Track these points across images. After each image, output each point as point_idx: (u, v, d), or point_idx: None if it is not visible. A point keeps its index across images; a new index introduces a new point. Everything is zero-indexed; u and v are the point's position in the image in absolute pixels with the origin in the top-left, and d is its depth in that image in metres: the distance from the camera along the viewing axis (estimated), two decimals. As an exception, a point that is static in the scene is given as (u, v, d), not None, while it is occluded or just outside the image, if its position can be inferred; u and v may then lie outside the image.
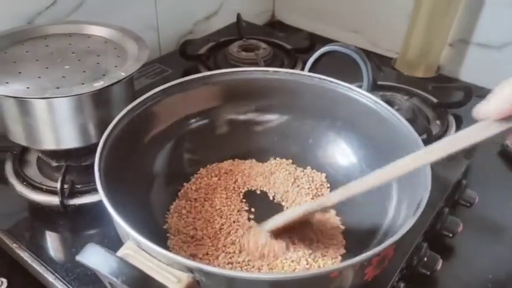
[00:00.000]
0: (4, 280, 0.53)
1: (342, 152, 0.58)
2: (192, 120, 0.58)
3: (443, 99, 0.79)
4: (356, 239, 0.49)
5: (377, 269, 0.38)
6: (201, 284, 0.35)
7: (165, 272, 0.35)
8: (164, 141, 0.55)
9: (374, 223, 0.49)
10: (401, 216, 0.45)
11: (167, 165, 0.54)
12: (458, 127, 0.73)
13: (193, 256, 0.47)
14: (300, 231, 0.51)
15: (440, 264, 0.55)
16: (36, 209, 0.61)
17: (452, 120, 0.75)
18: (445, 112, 0.76)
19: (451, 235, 0.57)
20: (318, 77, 0.57)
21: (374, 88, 0.65)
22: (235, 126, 0.59)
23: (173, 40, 0.93)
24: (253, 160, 0.60)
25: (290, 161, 0.60)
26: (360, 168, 0.55)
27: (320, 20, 1.06)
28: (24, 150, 0.67)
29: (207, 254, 0.47)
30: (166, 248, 0.48)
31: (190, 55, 0.86)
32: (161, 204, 0.52)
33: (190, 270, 0.35)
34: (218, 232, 0.50)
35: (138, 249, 0.36)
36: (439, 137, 0.70)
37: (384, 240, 0.42)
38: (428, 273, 0.56)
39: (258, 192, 0.57)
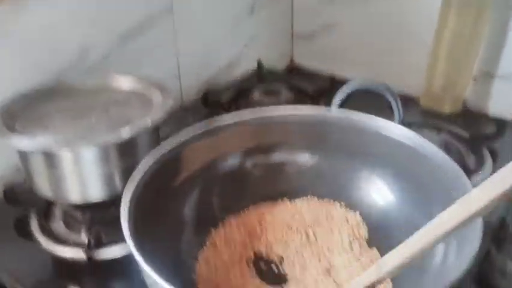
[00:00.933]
0: None
1: (376, 190, 0.55)
2: (221, 164, 0.56)
3: (475, 133, 0.76)
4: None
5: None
6: None
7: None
8: (193, 187, 0.53)
9: (422, 268, 0.45)
10: (452, 256, 0.42)
11: (196, 211, 0.52)
12: (495, 161, 0.70)
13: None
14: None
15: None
16: (63, 264, 0.59)
17: (487, 154, 0.71)
18: (479, 146, 0.73)
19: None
20: (346, 115, 0.56)
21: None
22: (265, 168, 0.58)
23: (194, 88, 0.94)
24: (285, 200, 0.58)
25: (321, 200, 0.58)
26: (398, 206, 0.52)
27: (339, 63, 1.06)
28: (50, 204, 0.66)
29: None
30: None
31: (212, 102, 0.86)
32: (191, 253, 0.50)
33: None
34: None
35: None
36: (475, 171, 0.67)
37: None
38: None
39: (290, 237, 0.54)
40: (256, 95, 0.86)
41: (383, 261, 0.38)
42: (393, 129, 0.53)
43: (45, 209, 0.65)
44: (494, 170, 0.67)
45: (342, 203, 0.57)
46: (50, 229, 0.62)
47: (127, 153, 0.56)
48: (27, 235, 0.61)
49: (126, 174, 0.55)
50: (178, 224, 0.50)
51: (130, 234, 0.39)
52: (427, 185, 0.49)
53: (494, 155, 0.72)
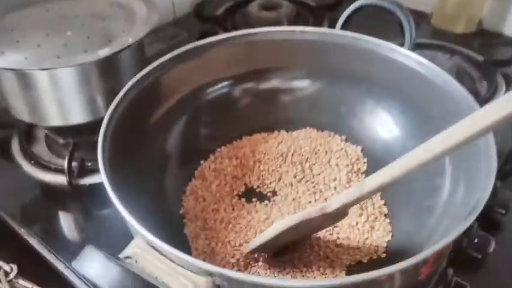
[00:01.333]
0: (14, 266, 0.49)
1: (381, 122, 0.50)
2: (209, 90, 0.51)
3: (489, 57, 0.70)
4: (403, 222, 0.43)
5: (433, 266, 0.32)
6: (223, 289, 0.30)
7: (179, 275, 0.30)
8: (178, 115, 0.48)
9: (424, 205, 0.42)
10: (459, 197, 0.38)
11: (182, 142, 0.48)
12: (508, 88, 0.65)
13: (212, 247, 0.42)
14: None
15: (493, 245, 0.49)
16: (45, 189, 0.56)
17: (501, 81, 0.67)
18: (493, 71, 0.68)
19: (503, 212, 0.50)
20: (352, 36, 0.49)
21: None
22: (257, 96, 0.52)
23: (186, 1, 0.86)
24: (281, 131, 0.54)
25: (321, 133, 0.53)
26: (403, 140, 0.48)
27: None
28: (32, 125, 0.62)
29: (228, 243, 0.42)
30: (183, 236, 0.43)
31: (206, 16, 0.79)
32: (177, 186, 0.47)
33: (210, 274, 0.29)
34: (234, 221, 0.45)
35: (148, 248, 0.31)
36: (488, 99, 0.62)
37: (439, 228, 0.36)
38: (480, 256, 0.50)
39: (285, 169, 0.50)
40: (254, 8, 0.78)
41: (366, 180, 0.36)
42: (403, 55, 0.47)
43: (27, 131, 0.62)
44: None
45: (342, 136, 0.52)
46: (32, 152, 0.59)
47: (108, 73, 0.51)
48: (7, 158, 0.59)
49: (109, 96, 0.51)
50: (163, 157, 0.46)
51: (105, 169, 0.35)
52: (437, 117, 0.44)
53: (508, 80, 0.67)
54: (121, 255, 0.31)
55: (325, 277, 0.39)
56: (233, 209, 0.45)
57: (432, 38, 0.75)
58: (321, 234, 0.43)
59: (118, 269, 0.26)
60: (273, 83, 0.53)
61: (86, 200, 0.54)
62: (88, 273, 0.26)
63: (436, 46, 0.73)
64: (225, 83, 0.51)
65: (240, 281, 0.28)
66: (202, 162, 0.50)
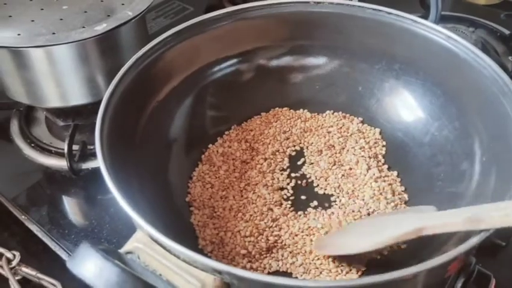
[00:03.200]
0: (17, 254, 0.47)
1: (401, 102, 0.46)
2: (216, 69, 0.47)
3: (513, 30, 0.66)
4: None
5: (461, 263, 0.29)
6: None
7: (185, 273, 0.27)
8: (183, 96, 0.45)
9: (448, 191, 0.39)
10: (491, 183, 0.35)
11: (187, 125, 0.45)
12: (535, 62, 0.61)
13: (221, 237, 0.39)
14: (350, 193, 0.43)
15: (517, 233, 0.46)
16: (46, 174, 0.54)
17: (528, 55, 0.62)
18: (520, 46, 0.64)
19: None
20: (372, 8, 0.45)
21: (436, 20, 0.53)
22: (268, 74, 0.49)
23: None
24: (294, 112, 0.50)
25: (336, 114, 0.50)
26: (425, 121, 0.44)
27: None
28: (31, 106, 0.59)
29: (238, 233, 0.39)
30: (189, 225, 0.40)
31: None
32: (183, 172, 0.43)
33: (218, 271, 0.26)
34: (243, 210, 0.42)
35: (151, 242, 0.28)
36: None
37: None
38: (504, 244, 0.46)
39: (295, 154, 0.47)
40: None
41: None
42: (428, 28, 0.43)
43: (27, 112, 0.59)
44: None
45: (359, 118, 0.49)
46: (32, 135, 0.56)
47: (108, 51, 0.47)
48: (7, 140, 0.56)
49: (110, 75, 0.47)
50: (167, 141, 0.43)
51: (103, 150, 0.32)
52: (464, 96, 0.41)
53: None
54: (122, 250, 0.29)
55: (342, 272, 0.37)
56: (243, 196, 0.42)
57: (453, 10, 0.71)
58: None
59: (116, 270, 0.23)
60: (285, 60, 0.49)
61: (88, 185, 0.51)
62: (83, 274, 0.23)
63: (458, 19, 0.68)
64: (233, 60, 0.48)
65: (251, 281, 0.26)
66: (209, 146, 0.47)
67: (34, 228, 0.48)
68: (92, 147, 0.52)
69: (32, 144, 0.55)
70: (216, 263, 0.26)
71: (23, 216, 0.49)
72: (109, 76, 0.48)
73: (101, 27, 0.44)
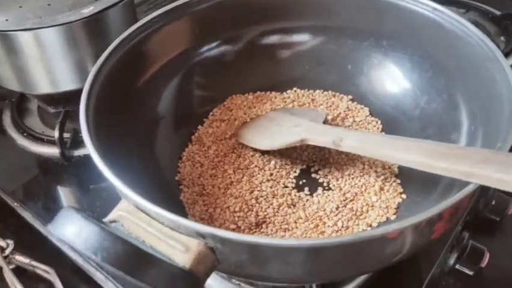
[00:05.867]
0: (10, 242, 0.47)
1: (390, 77, 0.46)
2: (202, 49, 0.47)
3: (506, 11, 0.65)
4: (415, 182, 0.39)
5: (448, 223, 0.29)
6: (216, 252, 0.27)
7: (169, 238, 0.27)
8: (169, 76, 0.45)
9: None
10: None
11: (175, 105, 0.44)
12: (527, 42, 0.61)
13: (210, 213, 0.39)
14: (339, 167, 0.42)
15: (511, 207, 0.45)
16: (39, 162, 0.54)
17: (520, 36, 0.62)
18: (511, 25, 0.63)
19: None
20: (358, -16, 0.45)
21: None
22: (255, 53, 0.48)
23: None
24: (277, 93, 0.50)
25: (324, 92, 0.50)
26: (414, 95, 0.44)
27: None
28: (23, 97, 0.59)
29: (227, 208, 0.39)
30: (179, 203, 0.40)
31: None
32: (171, 152, 0.43)
33: (201, 235, 0.26)
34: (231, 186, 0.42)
35: (135, 210, 0.28)
36: (507, 54, 0.58)
37: (455, 184, 0.33)
38: (498, 218, 0.46)
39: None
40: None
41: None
42: (413, 1, 0.42)
43: (19, 103, 0.59)
44: (526, 54, 0.59)
45: (349, 96, 0.49)
46: (24, 124, 0.56)
47: (96, 35, 0.48)
48: (1, 131, 0.56)
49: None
50: (154, 121, 0.43)
51: (89, 131, 0.32)
52: (452, 68, 0.41)
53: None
54: (106, 219, 0.28)
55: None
56: (233, 173, 0.42)
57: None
58: (328, 199, 0.40)
59: (95, 229, 0.23)
60: (273, 39, 0.49)
61: (80, 172, 0.51)
62: (64, 235, 0.23)
63: (449, 1, 0.68)
64: (219, 41, 0.47)
65: (234, 242, 0.25)
66: (199, 127, 0.47)
67: (27, 215, 0.48)
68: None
69: (25, 134, 0.55)
70: (199, 225, 0.26)
71: (15, 204, 0.49)
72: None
73: (88, 10, 0.45)
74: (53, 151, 0.52)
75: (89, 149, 0.31)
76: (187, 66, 0.46)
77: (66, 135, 0.52)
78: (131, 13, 0.52)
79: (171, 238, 0.27)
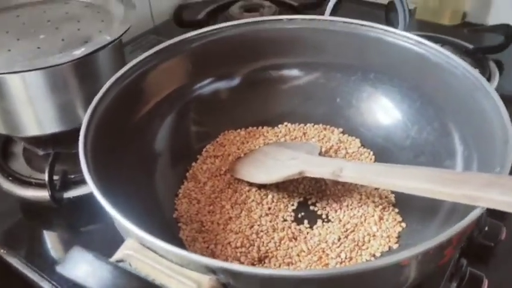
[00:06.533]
0: (-2, 290, 0.45)
1: (380, 110, 0.47)
2: (196, 86, 0.47)
3: (479, 45, 0.69)
4: (414, 211, 0.40)
5: (455, 249, 0.29)
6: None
7: (179, 275, 0.26)
8: (165, 113, 0.45)
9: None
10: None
11: (171, 142, 0.45)
12: (501, 73, 0.64)
13: (211, 250, 0.39)
14: (336, 198, 0.43)
15: (504, 233, 0.46)
16: (27, 207, 0.52)
17: (493, 67, 0.65)
18: (484, 58, 0.66)
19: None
20: (343, 21, 0.47)
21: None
22: (246, 89, 0.49)
23: (166, 7, 0.83)
24: (269, 128, 0.51)
25: (315, 126, 0.50)
26: (404, 125, 0.45)
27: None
28: (8, 141, 0.58)
29: (229, 244, 0.39)
30: (178, 241, 0.40)
31: (187, 22, 0.76)
32: (169, 189, 0.43)
33: (213, 271, 0.26)
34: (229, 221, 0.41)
35: (142, 248, 0.27)
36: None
37: (456, 210, 0.34)
38: (492, 244, 0.47)
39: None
40: (235, 10, 0.76)
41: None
42: (399, 36, 0.45)
43: (3, 147, 0.58)
44: (501, 83, 0.61)
45: (339, 128, 0.50)
46: (10, 168, 0.55)
47: (86, 77, 0.47)
48: (-16, 177, 0.55)
49: (89, 102, 0.48)
50: (152, 158, 0.43)
51: (90, 171, 0.32)
52: (440, 98, 0.42)
53: (500, 66, 0.66)
54: (112, 259, 0.28)
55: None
56: (231, 208, 0.42)
57: (420, 30, 0.74)
58: (329, 231, 0.40)
59: (109, 267, 0.22)
60: (263, 76, 0.50)
61: (70, 215, 0.50)
62: (76, 275, 0.22)
63: (424, 37, 0.71)
64: (211, 78, 0.48)
65: (248, 276, 0.25)
66: (193, 164, 0.47)
67: (15, 261, 0.46)
68: (73, 176, 0.51)
69: (10, 178, 0.53)
70: (210, 260, 0.25)
71: (1, 250, 0.47)
72: (87, 103, 0.48)
73: (80, 51, 0.45)
74: (41, 194, 0.50)
75: (92, 190, 0.30)
76: (182, 103, 0.46)
77: (55, 177, 0.51)
78: (120, 55, 0.52)
79: (181, 275, 0.26)
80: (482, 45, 0.69)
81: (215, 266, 0.25)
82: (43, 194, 0.50)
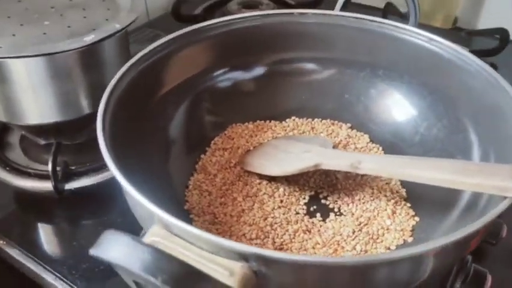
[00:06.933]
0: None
1: (388, 106, 0.47)
2: (210, 76, 0.47)
3: (474, 48, 0.70)
4: (426, 204, 0.40)
5: (479, 240, 0.30)
6: (259, 276, 0.26)
7: (210, 262, 0.25)
8: (179, 101, 0.44)
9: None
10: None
11: (185, 130, 0.44)
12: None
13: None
14: (348, 192, 0.43)
15: (505, 230, 0.47)
16: (25, 197, 0.51)
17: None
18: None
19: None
20: (354, 16, 0.47)
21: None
22: (255, 84, 0.49)
23: (161, 1, 0.82)
24: (277, 122, 0.50)
25: (323, 121, 0.50)
26: (414, 122, 0.46)
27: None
28: (4, 130, 0.56)
29: (243, 236, 0.38)
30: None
31: (184, 16, 0.75)
32: (181, 180, 0.42)
33: (245, 257, 0.25)
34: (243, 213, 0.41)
35: (169, 235, 0.27)
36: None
37: (474, 205, 0.34)
38: (494, 241, 0.48)
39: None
40: (233, 6, 0.76)
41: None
42: (410, 32, 0.45)
43: (-1, 137, 0.56)
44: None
45: (348, 124, 0.50)
46: (7, 158, 0.53)
47: (92, 65, 0.46)
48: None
49: (93, 91, 0.47)
50: (166, 144, 0.42)
51: (110, 155, 0.31)
52: (452, 94, 0.43)
53: (495, 70, 0.67)
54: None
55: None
56: (243, 201, 0.42)
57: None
58: (342, 224, 0.40)
59: (151, 250, 0.22)
60: (274, 69, 0.49)
61: (71, 206, 0.49)
62: (113, 257, 0.22)
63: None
64: (225, 69, 0.48)
65: (282, 262, 0.25)
66: (202, 156, 0.46)
67: (15, 252, 0.44)
68: (74, 167, 0.50)
69: (7, 168, 0.52)
70: (245, 246, 0.25)
71: (1, 241, 0.45)
72: (92, 92, 0.47)
73: (90, 38, 0.44)
74: (40, 185, 0.49)
75: (117, 177, 0.29)
76: (197, 91, 0.46)
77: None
78: (126, 46, 0.51)
79: (212, 262, 0.26)
80: (478, 49, 0.70)
81: (249, 252, 0.25)
82: (42, 185, 0.49)
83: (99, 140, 0.32)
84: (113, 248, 0.22)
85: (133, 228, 0.33)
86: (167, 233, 0.27)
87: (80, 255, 0.43)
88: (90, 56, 0.46)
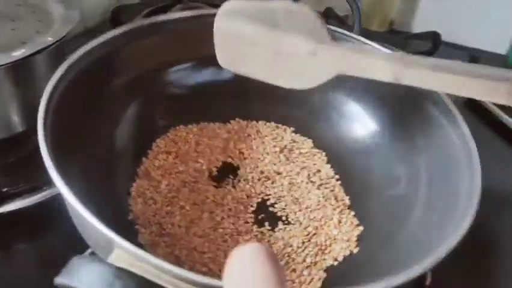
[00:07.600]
0: None
1: (334, 111, 0.48)
2: (153, 76, 0.45)
3: (409, 50, 0.73)
4: (370, 214, 0.41)
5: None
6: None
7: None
8: (128, 100, 0.42)
9: (387, 195, 0.42)
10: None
11: (135, 134, 0.42)
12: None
13: (176, 255, 0.37)
14: (294, 200, 0.43)
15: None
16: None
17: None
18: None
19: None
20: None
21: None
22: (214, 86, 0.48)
23: (97, 9, 0.76)
24: (221, 124, 0.49)
25: (267, 124, 0.50)
26: (360, 129, 0.47)
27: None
28: None
29: (194, 249, 0.37)
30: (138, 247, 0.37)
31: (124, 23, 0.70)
32: (127, 184, 0.40)
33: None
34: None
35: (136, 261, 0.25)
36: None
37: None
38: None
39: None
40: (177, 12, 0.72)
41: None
42: (354, 40, 0.46)
43: None
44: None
45: (291, 127, 0.50)
46: None
47: (22, 82, 0.43)
48: None
49: (25, 108, 0.44)
50: (113, 150, 0.39)
51: (56, 168, 0.28)
52: (402, 106, 0.44)
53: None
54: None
55: (305, 281, 0.36)
56: (191, 209, 0.40)
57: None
58: (291, 234, 0.40)
59: (113, 271, 0.20)
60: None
61: (4, 233, 0.44)
62: (86, 284, 0.20)
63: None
64: (180, 66, 0.46)
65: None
66: (144, 159, 0.44)
67: None
68: (5, 189, 0.45)
69: None
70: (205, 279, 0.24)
71: None
72: (24, 109, 0.44)
73: (20, 53, 0.40)
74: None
75: (68, 200, 0.27)
76: (149, 90, 0.44)
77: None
78: (61, 58, 0.46)
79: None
80: (413, 51, 0.73)
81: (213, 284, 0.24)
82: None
83: (44, 157, 0.29)
84: (84, 275, 0.21)
85: (75, 250, 0.31)
86: (130, 258, 0.25)
87: (15, 285, 0.39)
88: (20, 72, 0.42)
